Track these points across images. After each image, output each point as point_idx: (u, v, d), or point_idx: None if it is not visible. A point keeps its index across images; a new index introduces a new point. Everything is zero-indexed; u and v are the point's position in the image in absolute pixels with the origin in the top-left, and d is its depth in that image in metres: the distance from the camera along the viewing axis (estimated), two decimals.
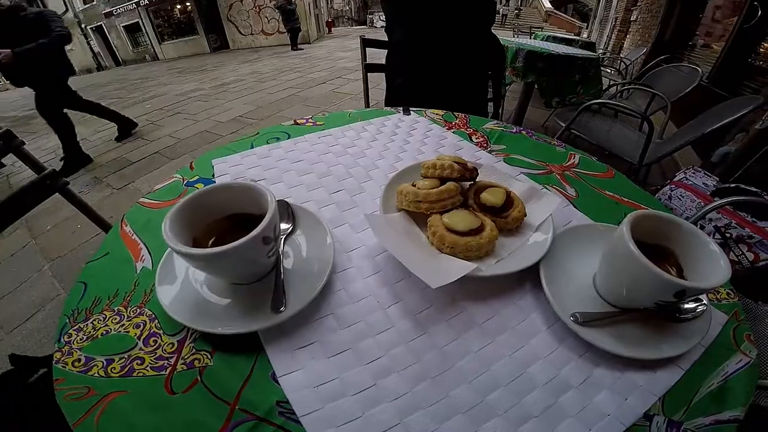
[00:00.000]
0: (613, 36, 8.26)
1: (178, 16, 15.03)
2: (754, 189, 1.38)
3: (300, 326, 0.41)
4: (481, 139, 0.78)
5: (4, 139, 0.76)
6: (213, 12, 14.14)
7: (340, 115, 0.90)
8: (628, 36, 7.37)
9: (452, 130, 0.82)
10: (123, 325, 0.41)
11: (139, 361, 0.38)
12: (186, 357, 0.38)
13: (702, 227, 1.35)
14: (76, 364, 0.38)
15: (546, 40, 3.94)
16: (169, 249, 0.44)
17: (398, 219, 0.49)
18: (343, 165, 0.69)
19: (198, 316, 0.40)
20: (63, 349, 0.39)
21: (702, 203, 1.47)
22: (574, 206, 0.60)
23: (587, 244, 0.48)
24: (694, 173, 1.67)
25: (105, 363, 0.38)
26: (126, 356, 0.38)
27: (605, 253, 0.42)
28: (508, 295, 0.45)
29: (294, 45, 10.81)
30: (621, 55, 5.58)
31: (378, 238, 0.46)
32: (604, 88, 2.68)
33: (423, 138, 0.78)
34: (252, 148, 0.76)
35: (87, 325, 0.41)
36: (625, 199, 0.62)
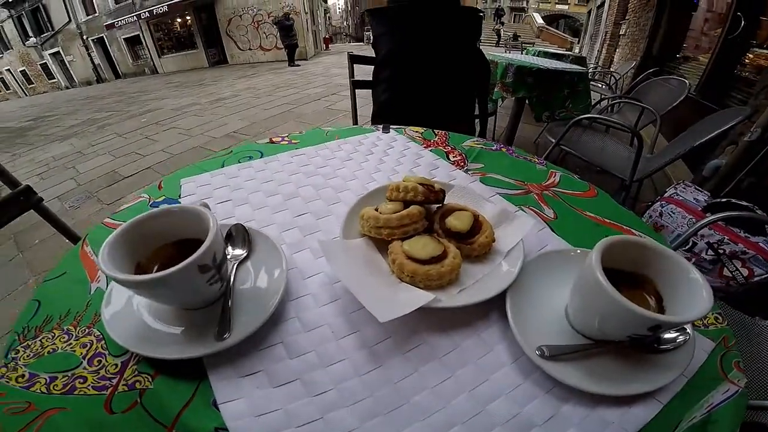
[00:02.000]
0: (603, 50, 8.47)
1: (179, 29, 15.25)
2: (745, 203, 1.37)
3: (247, 354, 0.40)
4: (459, 158, 0.76)
5: None
6: (212, 27, 14.34)
7: (317, 133, 0.88)
8: (617, 50, 7.49)
9: (430, 149, 0.80)
10: (70, 344, 0.41)
11: (81, 380, 0.38)
12: (128, 378, 0.38)
13: (694, 243, 1.33)
14: (20, 379, 0.38)
15: (537, 56, 3.99)
16: None
17: (359, 245, 0.46)
18: (313, 186, 0.67)
19: (141, 339, 0.39)
20: (9, 365, 0.39)
21: (693, 219, 1.45)
22: (551, 229, 0.57)
23: (560, 272, 0.45)
24: (684, 188, 1.66)
25: (48, 380, 0.38)
26: (69, 374, 0.38)
27: (576, 282, 0.39)
28: (472, 327, 0.42)
29: (291, 61, 10.97)
30: (611, 69, 5.65)
31: (331, 265, 0.44)
32: (593, 102, 2.70)
33: (399, 157, 0.76)
34: (223, 167, 0.74)
35: (35, 342, 0.42)
36: (607, 221, 0.60)
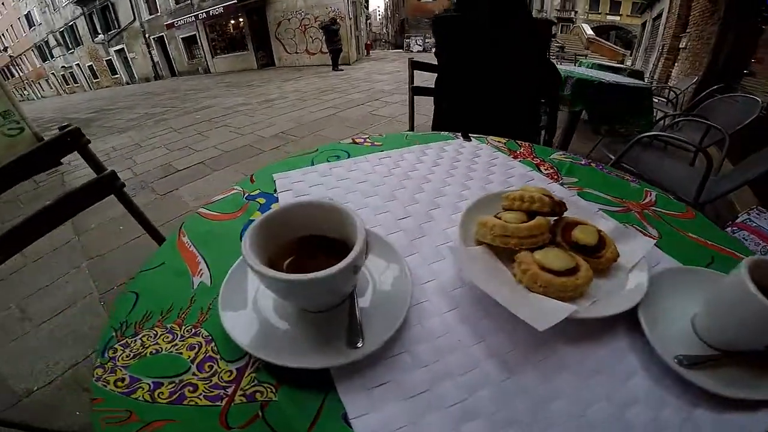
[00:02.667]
0: (659, 64, 8.04)
1: (231, 31, 15.81)
2: None
3: (373, 364, 0.38)
4: (551, 171, 0.75)
5: (72, 136, 0.79)
6: (263, 29, 14.82)
7: (397, 137, 0.90)
8: (676, 64, 7.14)
9: (519, 160, 0.79)
10: (176, 345, 0.38)
11: (191, 388, 0.34)
12: (246, 388, 0.34)
13: None
14: (119, 383, 0.34)
15: (591, 68, 3.86)
16: (235, 265, 0.44)
17: (480, 253, 0.47)
18: (408, 190, 0.68)
19: (263, 343, 0.37)
20: (106, 366, 0.35)
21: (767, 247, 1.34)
22: (659, 248, 0.55)
23: (683, 287, 0.46)
24: (758, 214, 1.54)
25: (152, 386, 0.34)
26: (177, 381, 0.35)
27: (715, 297, 0.41)
28: (600, 338, 0.42)
29: (335, 65, 11.15)
30: (669, 84, 5.35)
31: (466, 274, 0.44)
32: (655, 118, 2.57)
33: (489, 167, 0.76)
34: (312, 165, 0.76)
35: (135, 341, 0.38)
36: (710, 243, 0.57)
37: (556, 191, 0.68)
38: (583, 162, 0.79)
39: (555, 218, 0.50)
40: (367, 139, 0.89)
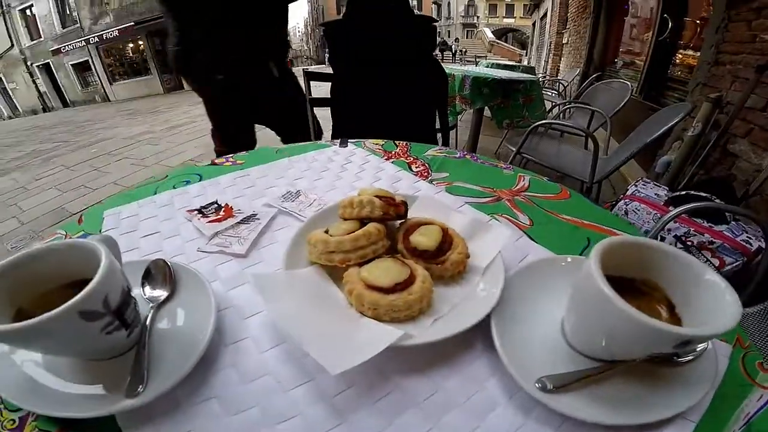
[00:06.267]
0: (549, 60, 8.77)
1: (131, 55, 14.81)
2: (704, 194, 1.42)
3: (171, 412, 0.32)
4: (422, 168, 0.71)
5: None
6: (167, 51, 14.22)
7: (267, 152, 0.81)
8: (562, 59, 7.80)
9: (391, 160, 0.75)
10: None
11: None
12: None
13: (662, 238, 1.34)
14: None
15: (489, 67, 4.14)
16: None
17: (309, 276, 0.39)
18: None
19: (38, 394, 0.33)
20: None
21: (658, 214, 1.48)
22: (530, 237, 0.52)
23: (550, 284, 0.39)
24: (644, 185, 1.71)
25: None
26: None
27: (572, 297, 0.34)
28: (455, 363, 0.35)
29: None
30: (559, 77, 5.95)
31: (266, 305, 0.37)
32: (547, 109, 2.80)
33: (358, 171, 0.70)
34: (155, 194, 0.65)
35: None
36: (586, 222, 0.56)
37: (423, 189, 0.63)
38: (458, 155, 0.77)
39: (400, 222, 0.44)
40: (230, 158, 0.78)
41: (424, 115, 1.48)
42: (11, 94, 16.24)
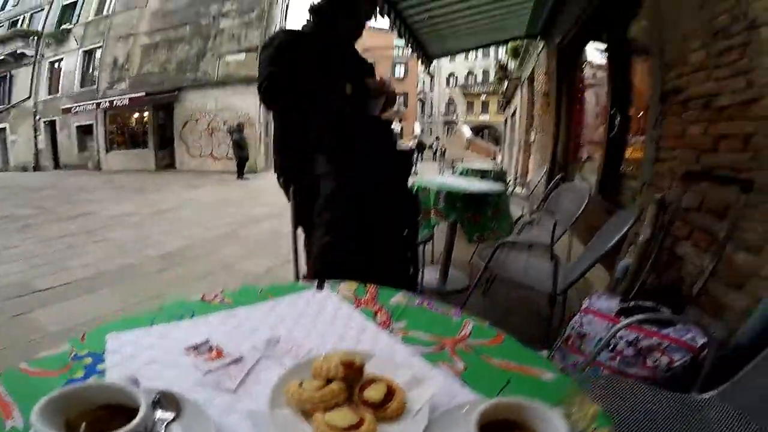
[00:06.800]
0: (520, 158, 8.88)
1: (133, 125, 14.84)
2: (649, 304, 1.58)
3: None
4: (385, 317, 0.83)
5: None
6: (167, 127, 14.09)
7: (251, 292, 0.93)
8: (531, 156, 7.87)
9: (360, 308, 0.86)
10: None
11: None
12: None
13: (615, 344, 1.46)
14: None
15: (463, 174, 4.45)
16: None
17: (286, 415, 0.53)
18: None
19: None
20: None
21: (610, 324, 1.61)
22: (464, 380, 0.62)
23: (464, 424, 0.47)
24: (598, 298, 1.86)
25: None
26: None
27: None
28: None
29: (240, 174, 11.04)
30: (528, 177, 6.21)
31: None
32: (517, 217, 3.02)
33: (332, 320, 0.81)
34: (152, 325, 0.75)
35: None
36: (513, 364, 0.66)
37: (383, 341, 0.74)
38: (417, 302, 0.89)
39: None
40: (218, 295, 0.90)
41: (402, 237, 1.63)
42: (8, 147, 16.13)
